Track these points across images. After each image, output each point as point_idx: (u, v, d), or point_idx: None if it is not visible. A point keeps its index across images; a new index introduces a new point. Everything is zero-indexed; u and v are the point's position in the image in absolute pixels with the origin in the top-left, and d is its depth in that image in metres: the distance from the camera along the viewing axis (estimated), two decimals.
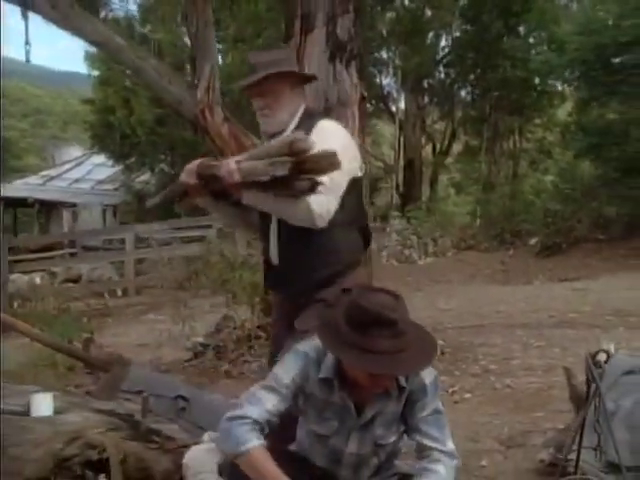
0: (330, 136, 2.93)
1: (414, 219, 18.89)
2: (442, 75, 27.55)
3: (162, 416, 3.57)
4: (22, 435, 3.08)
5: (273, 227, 3.07)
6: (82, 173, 33.29)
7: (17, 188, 31.82)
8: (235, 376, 6.53)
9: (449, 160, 29.78)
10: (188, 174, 2.97)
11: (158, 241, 17.91)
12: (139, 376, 4.06)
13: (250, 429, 2.44)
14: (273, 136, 3.01)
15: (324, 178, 2.77)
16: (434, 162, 28.96)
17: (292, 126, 3.02)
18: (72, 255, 19.37)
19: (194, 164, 2.96)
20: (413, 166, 27.61)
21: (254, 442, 2.42)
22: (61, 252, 19.16)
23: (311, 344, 2.55)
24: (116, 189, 30.31)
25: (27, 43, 6.74)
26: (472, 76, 25.65)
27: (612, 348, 4.09)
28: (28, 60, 7.07)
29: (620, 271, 13.54)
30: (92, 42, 7.18)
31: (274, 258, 3.09)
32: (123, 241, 18.08)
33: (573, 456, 3.18)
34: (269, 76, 2.95)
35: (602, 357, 2.33)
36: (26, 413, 3.25)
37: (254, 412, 2.48)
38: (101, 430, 3.16)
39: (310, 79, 3.39)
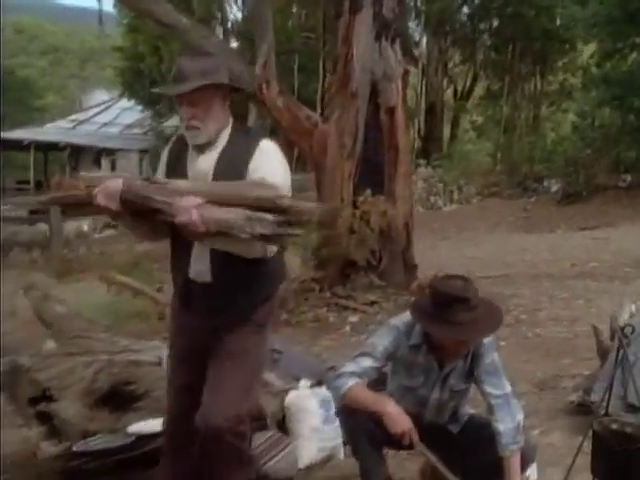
0: (273, 159, 2.84)
1: (439, 167, 19.51)
2: (465, 18, 27.74)
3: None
4: (158, 382, 3.88)
5: (201, 247, 2.86)
6: (110, 117, 33.92)
7: (48, 132, 32.62)
8: (293, 324, 7.32)
9: (470, 103, 30.10)
10: (108, 198, 2.63)
11: None
12: None
13: (347, 377, 3.22)
14: (199, 148, 2.87)
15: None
16: (455, 105, 29.29)
17: (223, 140, 2.87)
18: None
19: (115, 187, 2.63)
20: (434, 109, 27.97)
21: (350, 383, 3.19)
22: None
23: (401, 319, 3.31)
24: (145, 133, 30.99)
25: (101, 23, 7.35)
26: (495, 22, 25.88)
27: (634, 308, 4.86)
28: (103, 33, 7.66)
29: (639, 220, 14.18)
30: (161, 23, 7.85)
31: (201, 276, 2.90)
32: None
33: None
34: (202, 87, 2.77)
35: (629, 330, 3.05)
36: (159, 364, 4.05)
37: (350, 367, 3.26)
38: None
39: (239, 90, 3.17)
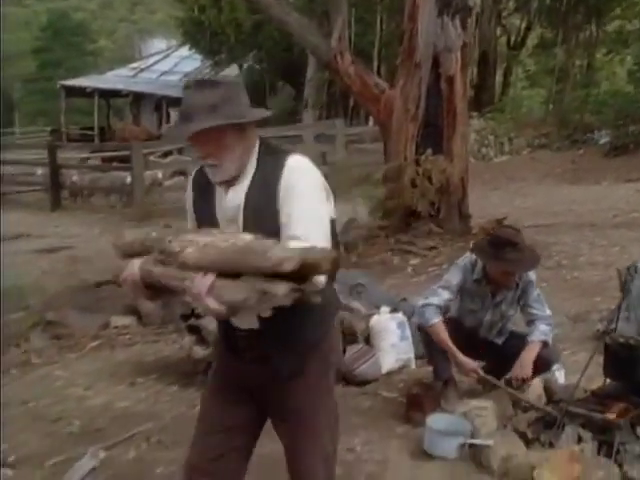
0: (303, 176, 2.49)
1: (491, 119, 20.22)
2: None
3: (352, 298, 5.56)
4: None
5: None
6: (169, 66, 34.91)
7: (109, 80, 33.90)
8: (362, 266, 8.41)
9: (523, 53, 30.30)
10: (134, 288, 2.37)
11: None
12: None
13: (434, 311, 4.37)
14: (225, 183, 2.53)
15: (314, 234, 2.34)
16: (508, 54, 29.54)
17: (251, 169, 2.53)
18: (179, 150, 21.22)
19: (134, 276, 2.34)
20: (487, 58, 28.15)
21: (435, 320, 4.35)
22: (171, 147, 20.94)
23: (466, 259, 4.44)
24: None
25: None
26: None
27: None
28: None
29: None
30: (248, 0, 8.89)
31: (247, 323, 2.50)
32: None
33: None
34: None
35: (633, 270, 4.13)
36: None
37: (435, 300, 4.41)
38: None
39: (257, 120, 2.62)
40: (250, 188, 2.51)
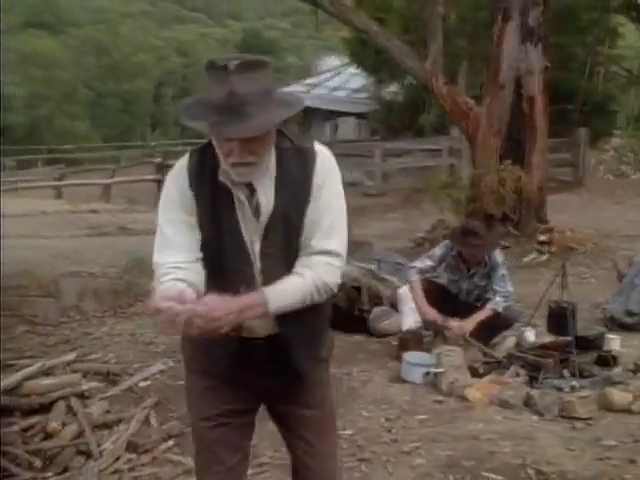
0: (333, 171, 2.31)
1: (633, 138, 20.44)
2: None
3: (388, 272, 6.92)
4: None
5: None
6: (340, 82, 37.06)
7: None
8: None
9: None
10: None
11: (402, 150, 21.43)
12: (378, 251, 7.49)
13: (415, 272, 5.71)
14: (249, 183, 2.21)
15: (343, 248, 2.28)
16: None
17: (272, 165, 2.25)
18: None
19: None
20: None
21: (413, 278, 5.68)
22: None
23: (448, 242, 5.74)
24: (367, 98, 33.89)
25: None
26: None
27: None
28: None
29: None
30: (358, 29, 10.47)
31: (263, 330, 2.32)
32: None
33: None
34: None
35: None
36: None
37: (418, 264, 5.76)
38: (357, 275, 6.54)
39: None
40: (278, 186, 2.24)
